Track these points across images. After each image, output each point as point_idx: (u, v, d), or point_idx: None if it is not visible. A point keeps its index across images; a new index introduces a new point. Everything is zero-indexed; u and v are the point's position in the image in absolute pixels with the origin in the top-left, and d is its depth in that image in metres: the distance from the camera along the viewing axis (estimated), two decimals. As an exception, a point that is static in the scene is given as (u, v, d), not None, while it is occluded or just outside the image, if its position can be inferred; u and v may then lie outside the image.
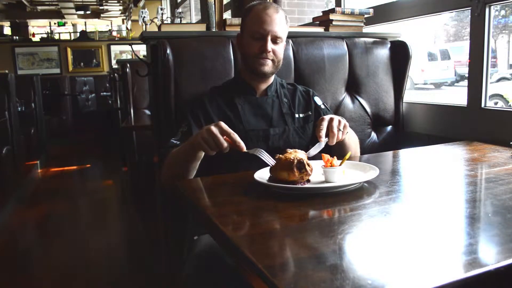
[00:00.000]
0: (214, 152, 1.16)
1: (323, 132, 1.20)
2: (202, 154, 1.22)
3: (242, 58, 1.46)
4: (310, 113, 1.49)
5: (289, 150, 1.07)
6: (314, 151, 1.19)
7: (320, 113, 1.47)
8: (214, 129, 1.13)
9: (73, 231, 3.23)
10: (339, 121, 1.24)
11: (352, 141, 1.40)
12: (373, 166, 1.11)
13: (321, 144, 1.21)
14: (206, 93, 1.46)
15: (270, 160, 1.11)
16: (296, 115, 1.46)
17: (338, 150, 1.34)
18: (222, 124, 1.14)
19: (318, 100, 1.52)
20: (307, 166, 1.01)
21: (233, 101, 1.41)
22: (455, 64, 9.52)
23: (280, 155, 1.04)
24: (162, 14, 5.01)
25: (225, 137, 1.13)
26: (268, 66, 1.38)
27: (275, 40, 1.37)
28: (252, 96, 1.44)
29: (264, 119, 1.42)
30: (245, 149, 1.14)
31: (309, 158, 1.07)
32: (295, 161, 1.01)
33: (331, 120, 1.22)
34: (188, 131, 1.35)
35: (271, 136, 1.39)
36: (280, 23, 1.37)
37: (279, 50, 1.39)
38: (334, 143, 1.23)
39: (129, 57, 7.16)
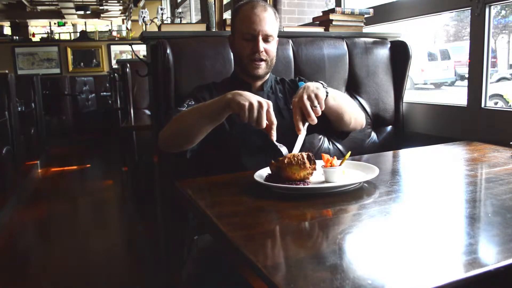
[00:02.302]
0: (246, 121, 1.09)
1: (300, 125, 1.14)
2: (223, 118, 1.17)
3: (235, 59, 1.45)
4: None
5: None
6: (297, 148, 1.15)
7: None
8: (265, 103, 1.08)
9: (73, 231, 3.23)
10: (309, 97, 1.14)
11: (340, 101, 1.29)
12: (373, 166, 1.11)
13: (301, 137, 1.16)
14: (209, 83, 1.46)
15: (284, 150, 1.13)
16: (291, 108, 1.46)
17: (333, 119, 1.32)
18: (271, 106, 1.10)
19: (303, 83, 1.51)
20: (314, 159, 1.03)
21: None
22: (455, 64, 9.50)
23: (280, 158, 1.04)
24: (162, 14, 5.02)
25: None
26: (262, 69, 1.38)
27: (266, 39, 1.36)
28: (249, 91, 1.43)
29: None
30: (274, 139, 1.12)
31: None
32: (304, 154, 1.01)
33: (300, 102, 1.14)
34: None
35: None
36: (270, 21, 1.36)
37: (271, 48, 1.38)
38: (316, 121, 1.15)
39: (129, 57, 7.16)
